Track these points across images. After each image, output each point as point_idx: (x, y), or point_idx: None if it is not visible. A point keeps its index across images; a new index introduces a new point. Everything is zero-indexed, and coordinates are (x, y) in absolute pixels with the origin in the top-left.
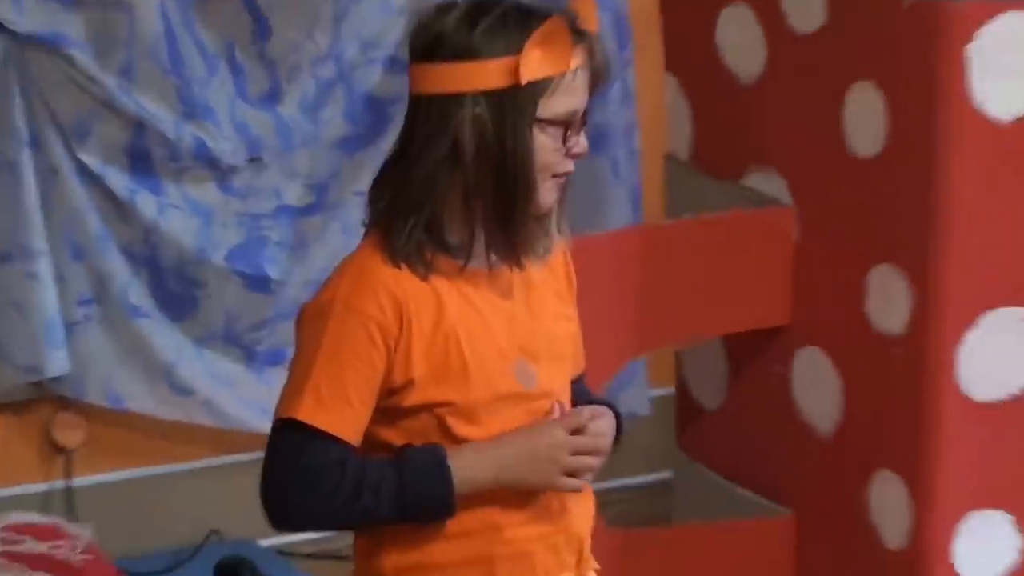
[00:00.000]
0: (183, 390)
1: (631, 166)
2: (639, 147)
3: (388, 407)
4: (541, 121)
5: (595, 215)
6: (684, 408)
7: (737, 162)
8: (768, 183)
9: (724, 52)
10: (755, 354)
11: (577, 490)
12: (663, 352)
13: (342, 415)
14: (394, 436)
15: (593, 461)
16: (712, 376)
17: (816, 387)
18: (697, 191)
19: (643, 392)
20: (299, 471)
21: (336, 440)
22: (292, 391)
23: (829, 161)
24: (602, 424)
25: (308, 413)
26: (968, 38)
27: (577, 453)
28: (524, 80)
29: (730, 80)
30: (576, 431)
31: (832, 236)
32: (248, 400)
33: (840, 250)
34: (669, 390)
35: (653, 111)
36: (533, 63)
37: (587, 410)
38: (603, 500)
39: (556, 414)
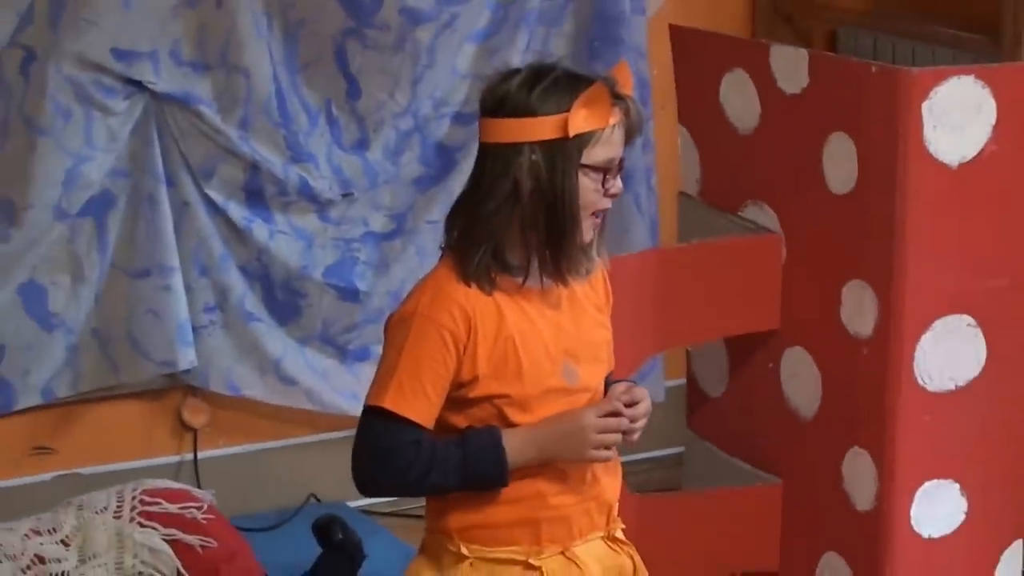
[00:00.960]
0: (288, 380)
1: (650, 201)
2: (657, 185)
3: (457, 398)
4: (585, 167)
5: (621, 240)
6: (693, 395)
7: (736, 197)
8: (761, 215)
9: (726, 108)
10: (750, 352)
11: (604, 460)
12: (676, 350)
13: (419, 404)
14: (461, 421)
15: (618, 438)
16: (716, 370)
17: (800, 379)
18: (704, 221)
19: (660, 382)
20: (383, 449)
21: (413, 424)
22: (379, 383)
23: (811, 196)
24: (637, 392)
25: (392, 402)
26: (923, 97)
27: (605, 432)
28: (572, 133)
29: (731, 131)
30: (608, 415)
31: (813, 257)
32: (340, 389)
33: (819, 268)
34: (681, 381)
35: (669, 156)
36: (580, 119)
37: (621, 386)
38: (626, 470)
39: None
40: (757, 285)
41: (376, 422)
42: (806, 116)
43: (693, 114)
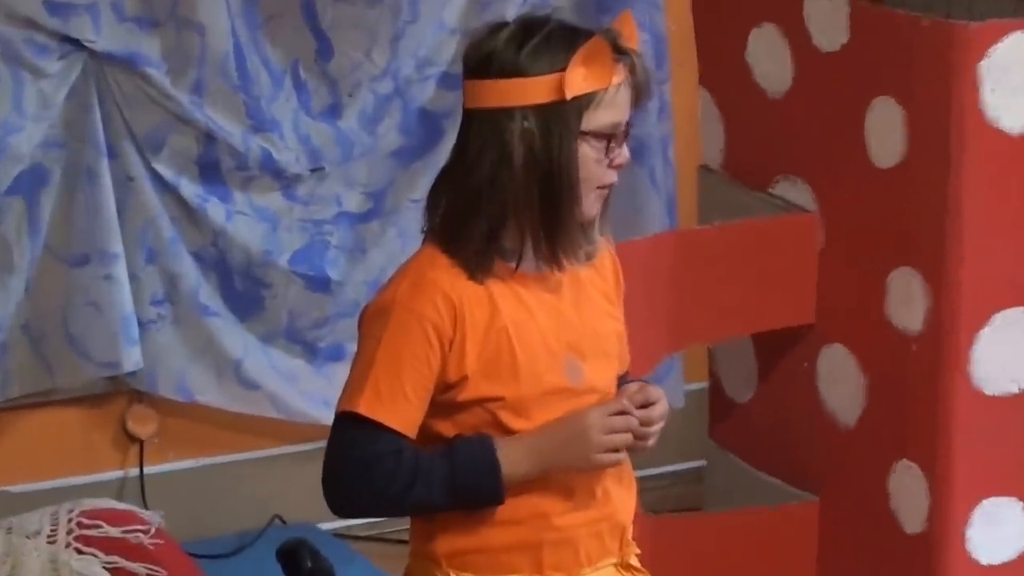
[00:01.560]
0: (249, 384)
1: (667, 176)
2: (675, 158)
3: (443, 401)
4: (585, 134)
5: (633, 222)
6: (716, 401)
7: (766, 171)
8: (795, 191)
9: (754, 69)
10: (782, 351)
11: (613, 464)
12: (697, 349)
13: (399, 409)
14: (448, 429)
15: (627, 438)
16: (742, 371)
17: (840, 382)
18: (729, 199)
19: (678, 386)
20: (358, 460)
21: (393, 432)
22: (353, 386)
23: (852, 170)
24: (652, 391)
25: (367, 407)
26: (980, 56)
27: (612, 432)
28: (569, 95)
29: (760, 95)
30: (615, 414)
31: (854, 240)
32: (309, 393)
33: (862, 254)
34: (702, 384)
35: (688, 124)
36: (577, 79)
37: (634, 385)
38: (639, 487)
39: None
40: (790, 273)
41: (350, 430)
42: (846, 77)
43: (716, 75)
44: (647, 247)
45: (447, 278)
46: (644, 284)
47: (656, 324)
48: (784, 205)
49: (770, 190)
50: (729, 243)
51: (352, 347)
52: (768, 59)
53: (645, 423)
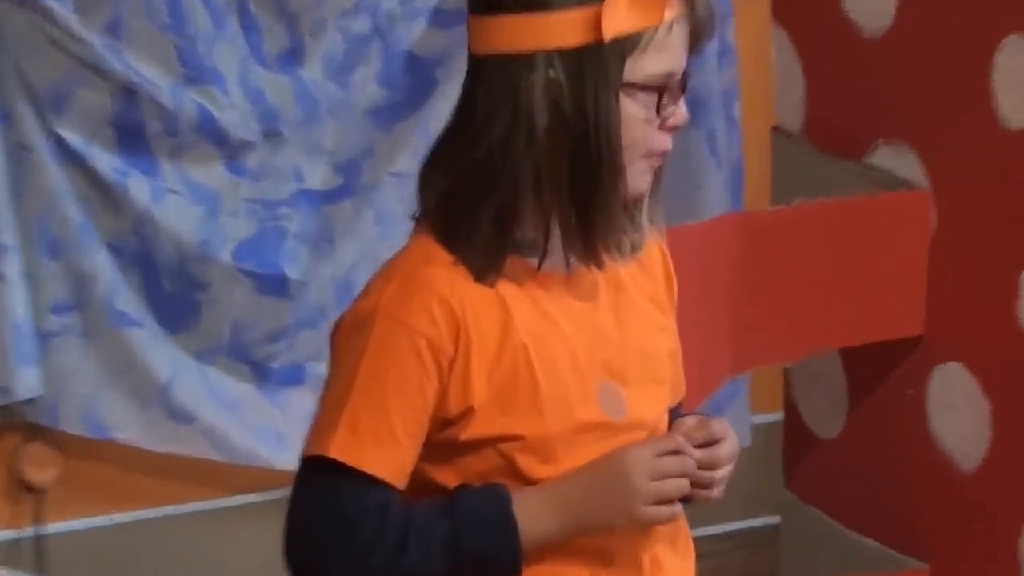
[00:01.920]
0: (181, 416)
1: (731, 140)
2: (741, 118)
3: (442, 441)
4: (630, 86)
5: (687, 200)
6: (793, 438)
7: (860, 135)
8: (899, 161)
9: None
10: (882, 372)
11: (664, 521)
12: (767, 370)
13: (384, 452)
14: (450, 477)
15: (682, 485)
16: (828, 400)
17: (958, 412)
18: (811, 171)
19: (744, 419)
20: (331, 520)
21: (377, 482)
22: (324, 422)
23: (974, 134)
24: (716, 427)
25: (343, 449)
26: None
27: (662, 477)
28: (608, 36)
29: (852, 34)
30: (666, 454)
31: (979, 226)
32: (259, 428)
33: (988, 244)
34: (775, 416)
35: (757, 73)
36: (619, 14)
37: (692, 419)
38: (699, 551)
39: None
40: (892, 269)
41: (320, 480)
42: (968, 9)
43: (795, 8)
44: (704, 235)
45: (446, 279)
46: (699, 283)
47: (715, 337)
48: (885, 179)
49: (866, 160)
50: (811, 230)
51: (316, 368)
52: None
53: (709, 466)
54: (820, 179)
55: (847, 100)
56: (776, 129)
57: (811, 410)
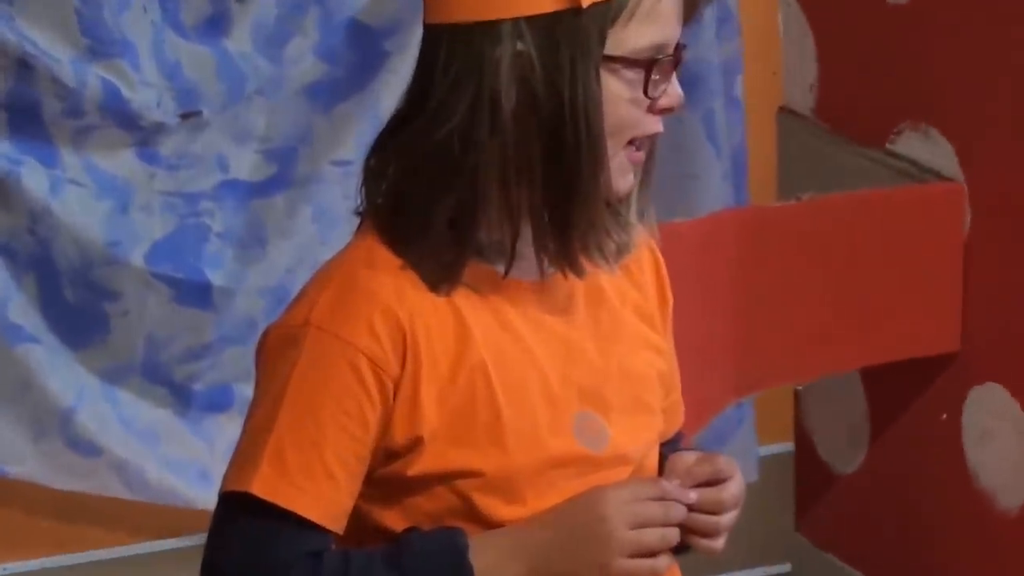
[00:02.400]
0: (85, 447)
1: (732, 123)
2: (743, 96)
3: (387, 477)
4: (612, 60)
5: (681, 193)
6: (806, 473)
7: (882, 118)
8: (927, 148)
9: None
10: (910, 395)
11: (649, 574)
12: (776, 393)
13: (317, 489)
14: (396, 520)
15: (668, 536)
16: (846, 428)
17: (997, 441)
18: (824, 158)
19: (749, 450)
20: (253, 569)
21: (307, 525)
22: (246, 453)
23: (1015, 117)
24: (722, 464)
25: (267, 485)
26: None
27: (644, 525)
28: (587, 1)
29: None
30: (652, 499)
31: (1022, 226)
32: (179, 461)
33: None
34: (785, 447)
35: (762, 45)
36: None
37: (691, 455)
38: None
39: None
40: (921, 274)
41: (242, 521)
42: None
43: None
44: (701, 233)
45: (392, 287)
46: (698, 292)
47: (715, 353)
48: (910, 169)
49: (889, 146)
50: (826, 227)
51: (244, 390)
52: None
53: (712, 510)
54: (834, 168)
55: (866, 77)
56: (784, 110)
57: (826, 440)
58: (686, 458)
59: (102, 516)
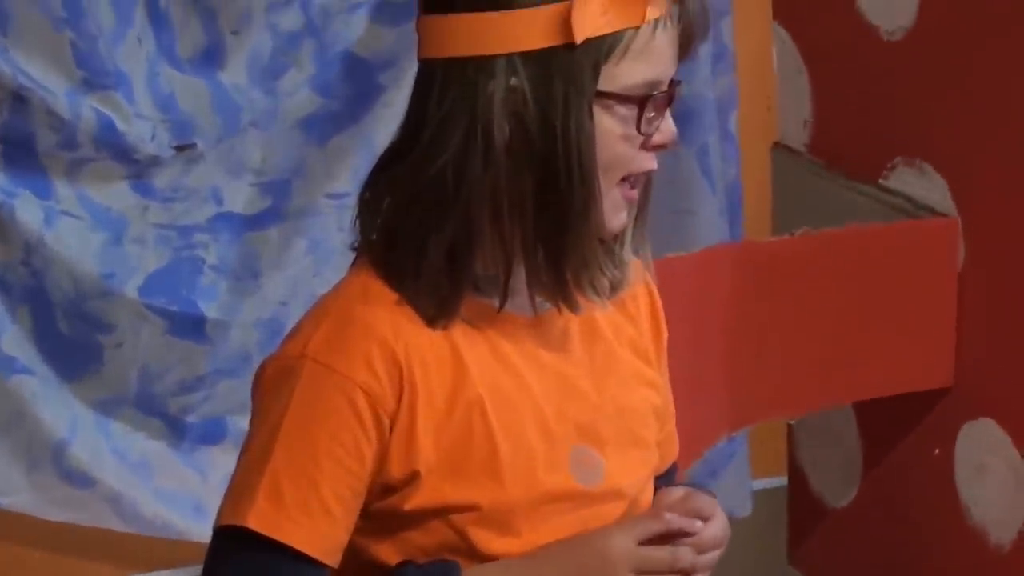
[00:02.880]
0: (79, 479)
1: (727, 158)
2: (738, 131)
3: (383, 511)
4: (605, 97)
5: (676, 228)
6: (798, 507)
7: (876, 153)
8: (921, 183)
9: None
10: (903, 430)
11: None
12: (769, 426)
13: (312, 523)
14: (391, 553)
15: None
16: (839, 462)
17: (991, 476)
18: (818, 194)
19: (743, 484)
20: None
21: (304, 559)
22: (242, 486)
23: (1009, 153)
24: (701, 503)
25: (262, 519)
26: None
27: (648, 572)
28: (579, 37)
29: (867, 35)
30: (653, 540)
31: (1015, 259)
32: (173, 493)
33: None
34: (778, 481)
35: (756, 81)
36: (593, 12)
37: (676, 491)
38: None
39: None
40: (914, 309)
41: (236, 555)
42: (1000, 8)
43: (800, 5)
44: (696, 268)
45: (388, 321)
46: (692, 325)
47: (709, 387)
48: (904, 204)
49: (883, 181)
50: (820, 263)
51: (238, 423)
52: None
53: (696, 550)
54: (829, 203)
55: (860, 113)
56: (778, 145)
57: (819, 474)
58: (671, 495)
59: (96, 548)
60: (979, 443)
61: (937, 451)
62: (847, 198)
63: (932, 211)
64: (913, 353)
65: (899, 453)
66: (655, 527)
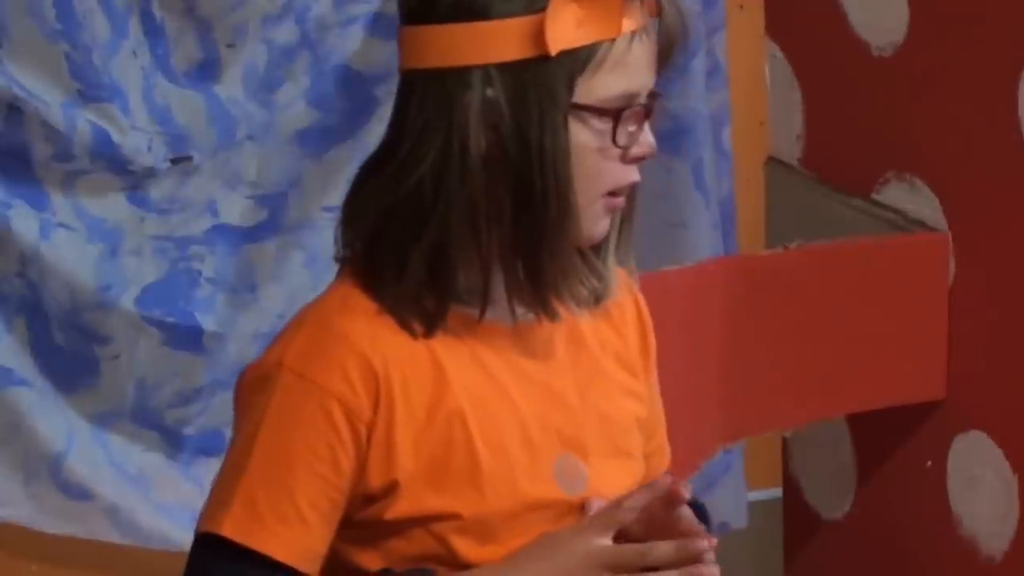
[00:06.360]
0: (76, 491)
1: (721, 173)
2: (731, 146)
3: (365, 520)
4: (580, 109)
5: (669, 241)
6: (793, 519)
7: (869, 168)
8: (912, 198)
9: (850, 12)
10: (895, 442)
11: None
12: (763, 439)
13: (288, 531)
14: (372, 560)
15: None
16: (833, 473)
17: (982, 488)
18: (811, 208)
19: (739, 496)
20: None
21: (280, 567)
22: (219, 494)
23: (999, 168)
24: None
25: (238, 527)
26: None
27: (623, 569)
28: (554, 49)
29: (858, 51)
30: (622, 537)
31: (1005, 273)
32: (170, 505)
33: (1016, 293)
34: (773, 493)
35: (749, 97)
36: (566, 24)
37: (637, 495)
38: None
39: (594, 508)
40: (906, 322)
41: (212, 562)
42: (991, 24)
43: (792, 21)
44: (690, 281)
45: (366, 332)
46: (686, 338)
47: (704, 400)
48: (896, 219)
49: (875, 195)
50: (813, 276)
51: None
52: None
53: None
54: (821, 217)
55: (852, 128)
56: (771, 160)
57: (814, 486)
58: (635, 497)
59: (93, 560)
60: (971, 455)
61: (929, 463)
62: (839, 212)
63: (923, 225)
64: (905, 366)
65: (892, 465)
66: (616, 518)
